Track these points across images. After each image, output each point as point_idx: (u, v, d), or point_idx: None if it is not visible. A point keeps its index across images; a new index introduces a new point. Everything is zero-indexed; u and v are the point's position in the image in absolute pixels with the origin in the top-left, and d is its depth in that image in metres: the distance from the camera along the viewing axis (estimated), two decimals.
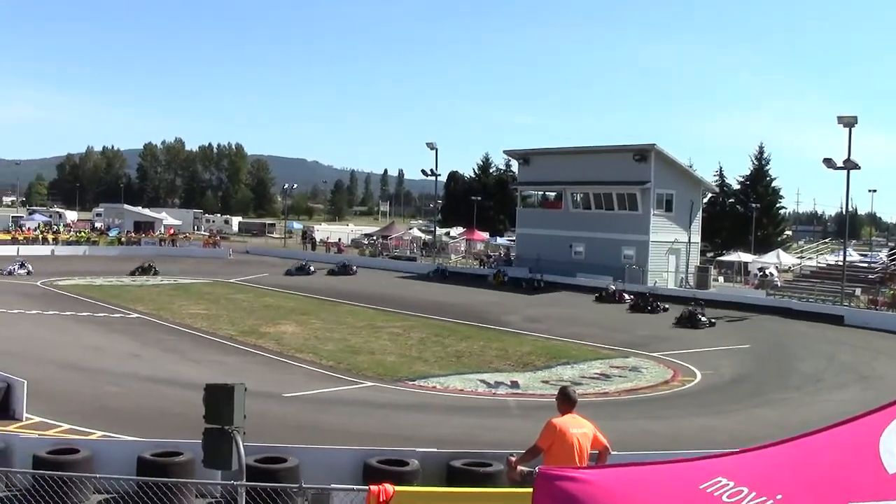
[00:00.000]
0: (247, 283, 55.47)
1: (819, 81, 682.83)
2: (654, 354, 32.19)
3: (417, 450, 14.16)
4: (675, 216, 59.93)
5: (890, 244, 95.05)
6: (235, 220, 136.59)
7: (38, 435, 16.48)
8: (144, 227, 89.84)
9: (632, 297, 48.69)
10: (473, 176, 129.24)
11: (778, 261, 69.46)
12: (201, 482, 12.65)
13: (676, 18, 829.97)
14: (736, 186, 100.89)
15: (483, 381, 26.59)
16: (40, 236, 76.82)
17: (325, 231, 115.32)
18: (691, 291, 51.74)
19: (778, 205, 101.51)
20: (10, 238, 73.92)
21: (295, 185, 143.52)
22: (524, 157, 69.07)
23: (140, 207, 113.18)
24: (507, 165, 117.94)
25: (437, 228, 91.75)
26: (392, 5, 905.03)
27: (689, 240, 60.53)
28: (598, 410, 18.64)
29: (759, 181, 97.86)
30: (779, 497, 4.13)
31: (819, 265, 59.61)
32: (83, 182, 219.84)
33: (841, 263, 52.90)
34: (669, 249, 59.43)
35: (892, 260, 54.54)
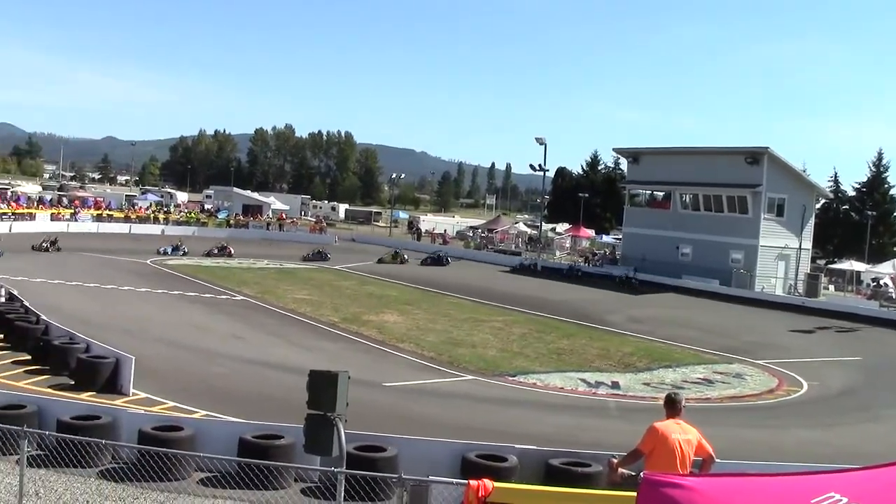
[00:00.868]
0: (351, 271, 55.94)
1: None
2: (759, 362, 31.63)
3: (516, 446, 14.12)
4: (787, 221, 58.64)
5: None
6: (342, 208, 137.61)
7: (144, 411, 16.85)
8: (252, 210, 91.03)
9: None
10: (581, 172, 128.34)
11: (893, 271, 67.44)
12: (301, 467, 12.79)
13: (800, 17, 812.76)
14: (851, 193, 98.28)
15: (583, 380, 26.46)
16: (152, 215, 78.40)
17: (430, 222, 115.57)
18: (800, 299, 50.72)
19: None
20: (123, 216, 75.56)
21: (402, 175, 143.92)
22: (634, 155, 68.36)
23: (249, 191, 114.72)
24: (616, 163, 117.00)
25: (543, 224, 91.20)
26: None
27: (800, 246, 59.18)
28: (698, 416, 18.35)
29: (876, 188, 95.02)
30: None
31: None
32: (194, 164, 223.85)
33: None
34: (779, 255, 58.23)
35: None
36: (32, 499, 11.31)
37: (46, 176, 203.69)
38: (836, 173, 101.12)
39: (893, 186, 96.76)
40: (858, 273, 68.72)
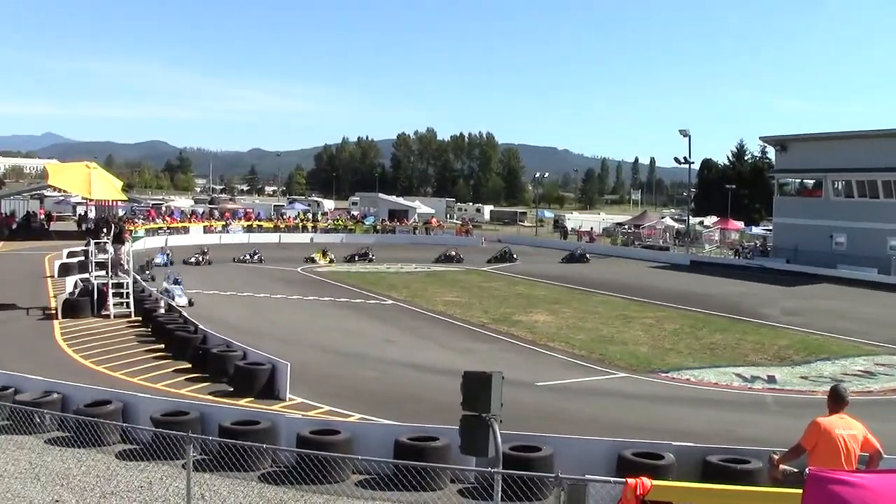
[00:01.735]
0: (499, 272, 56.04)
1: None
2: None
3: (672, 443, 13.95)
4: None
5: None
6: (487, 209, 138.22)
7: (301, 415, 17.17)
8: (398, 215, 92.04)
9: None
10: (727, 163, 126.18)
11: None
12: (458, 468, 12.87)
13: None
14: None
15: (738, 375, 25.90)
16: (300, 224, 79.93)
17: (576, 219, 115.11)
18: None
19: None
20: (272, 226, 77.27)
21: (546, 174, 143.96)
22: (781, 143, 66.80)
23: (394, 196, 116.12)
24: (763, 152, 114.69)
25: (691, 217, 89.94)
26: None
27: None
28: (860, 410, 17.81)
29: None
30: None
31: None
32: (339, 172, 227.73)
33: None
34: None
35: None
36: (199, 502, 11.66)
37: (197, 189, 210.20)
38: None
39: None
40: None
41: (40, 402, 16.28)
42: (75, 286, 32.93)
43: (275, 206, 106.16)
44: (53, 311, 30.87)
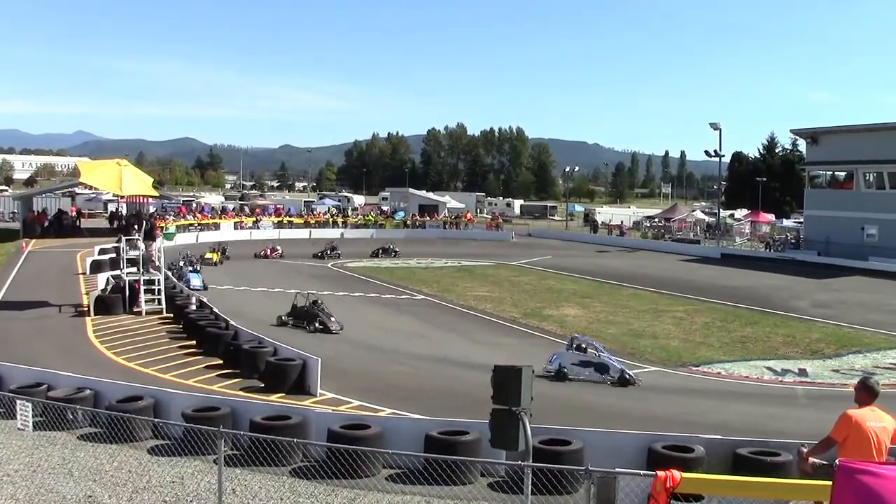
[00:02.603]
0: (529, 266, 56.00)
1: None
2: None
3: (702, 436, 13.91)
4: None
5: None
6: (517, 203, 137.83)
7: (332, 410, 17.24)
8: (429, 210, 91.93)
9: None
10: (758, 156, 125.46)
11: None
12: (488, 462, 12.87)
13: None
14: None
15: (769, 368, 25.83)
16: (330, 220, 79.96)
17: (606, 213, 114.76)
18: None
19: None
20: (302, 222, 77.36)
21: (576, 168, 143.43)
22: (812, 135, 66.22)
23: (424, 191, 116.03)
24: (794, 145, 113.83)
25: (721, 210, 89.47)
26: None
27: None
28: (892, 403, 17.67)
29: None
30: None
31: None
32: (369, 167, 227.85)
33: None
34: None
35: None
36: (230, 496, 11.72)
37: (228, 186, 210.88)
38: None
39: None
40: None
41: (73, 399, 16.42)
42: (107, 283, 33.15)
43: (305, 201, 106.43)
44: (85, 308, 31.11)
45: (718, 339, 30.63)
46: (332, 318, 30.02)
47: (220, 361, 23.22)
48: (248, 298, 37.07)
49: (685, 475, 7.08)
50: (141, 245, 31.89)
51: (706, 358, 27.27)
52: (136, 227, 33.86)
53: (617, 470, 8.42)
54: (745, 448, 13.32)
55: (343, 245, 62.00)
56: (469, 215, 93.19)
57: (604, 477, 7.99)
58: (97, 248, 44.28)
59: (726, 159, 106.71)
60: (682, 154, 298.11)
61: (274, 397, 19.34)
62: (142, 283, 31.14)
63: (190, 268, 34.32)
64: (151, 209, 60.13)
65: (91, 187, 56.27)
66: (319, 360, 20.84)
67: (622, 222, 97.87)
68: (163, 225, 54.43)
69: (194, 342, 25.56)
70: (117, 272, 33.23)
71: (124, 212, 65.93)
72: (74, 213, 72.02)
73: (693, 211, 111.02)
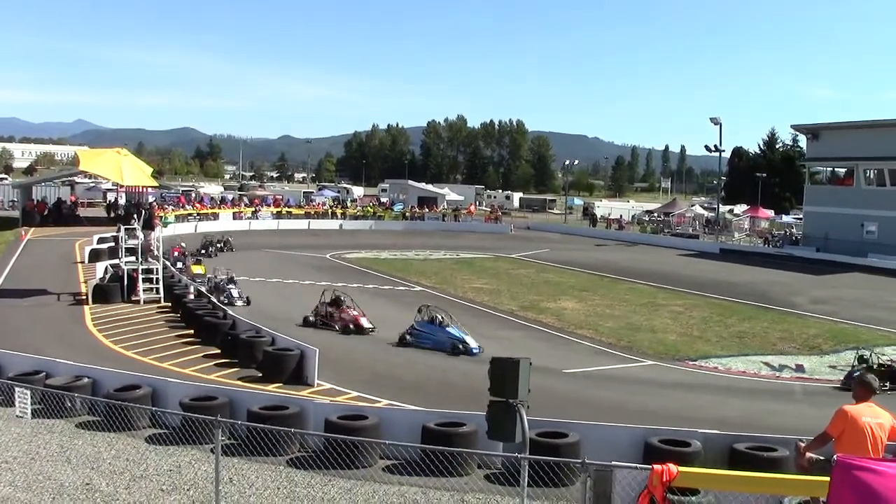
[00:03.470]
0: (528, 259, 55.99)
1: None
2: None
3: (699, 430, 13.94)
4: None
5: None
6: (516, 196, 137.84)
7: (329, 401, 17.26)
8: (428, 202, 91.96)
9: None
10: (758, 151, 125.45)
11: None
12: (485, 453, 12.89)
13: None
14: None
15: (766, 364, 25.86)
16: (329, 211, 79.95)
17: (605, 207, 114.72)
18: None
19: None
20: (302, 213, 77.33)
21: (576, 162, 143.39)
22: (813, 131, 66.23)
23: (423, 183, 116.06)
24: (795, 140, 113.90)
25: (720, 205, 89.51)
26: None
27: None
28: (888, 400, 17.71)
29: None
30: None
31: None
32: (369, 159, 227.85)
33: None
34: None
35: None
36: (227, 485, 11.73)
37: (227, 176, 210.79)
38: None
39: None
40: None
41: (71, 387, 16.44)
42: (105, 272, 33.20)
43: (304, 192, 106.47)
44: (84, 297, 31.18)
45: (716, 333, 30.66)
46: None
47: (218, 351, 23.26)
48: (245, 288, 36.95)
49: (682, 469, 7.09)
50: (139, 234, 31.89)
51: (703, 352, 27.32)
52: (135, 216, 33.84)
53: (613, 463, 8.42)
54: (741, 443, 13.36)
55: (341, 236, 62.02)
56: (472, 208, 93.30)
57: (600, 470, 8.01)
58: (96, 237, 44.31)
59: (726, 154, 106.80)
60: (682, 149, 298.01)
61: (271, 387, 19.37)
62: (140, 272, 31.17)
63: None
64: (150, 199, 60.11)
65: (92, 176, 56.26)
66: (317, 350, 20.87)
67: (621, 216, 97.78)
68: (161, 214, 54.42)
69: (192, 331, 25.63)
70: (116, 261, 33.26)
71: (122, 201, 65.94)
72: (73, 202, 71.98)
73: (692, 206, 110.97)
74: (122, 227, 32.92)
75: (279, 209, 76.91)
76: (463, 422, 14.05)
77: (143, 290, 31.04)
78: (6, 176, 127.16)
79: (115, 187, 60.92)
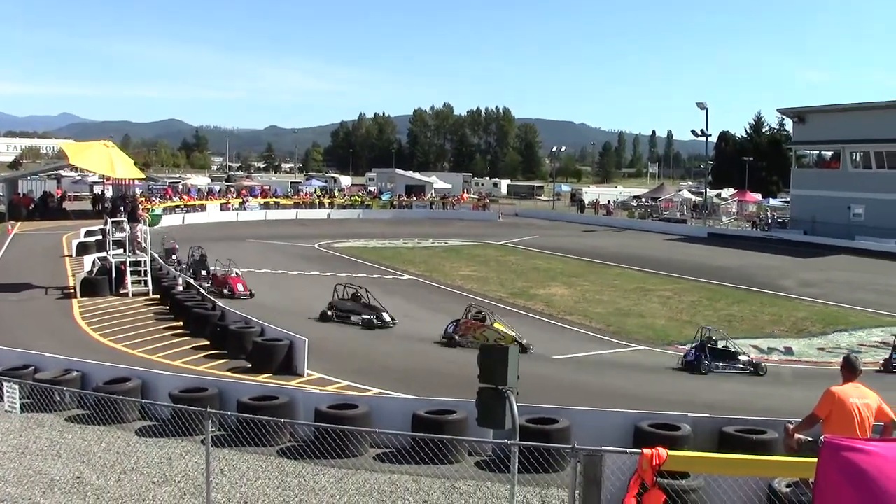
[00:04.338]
0: (516, 245, 56.02)
1: None
2: None
3: (689, 414, 13.98)
4: None
5: None
6: (504, 183, 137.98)
7: (319, 390, 17.25)
8: (416, 190, 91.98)
9: None
10: (745, 135, 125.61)
11: None
12: (475, 440, 12.90)
13: None
14: None
15: (755, 347, 25.91)
16: (317, 200, 79.86)
17: (593, 193, 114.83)
18: None
19: None
20: (290, 203, 77.26)
21: (563, 148, 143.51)
22: (799, 115, 66.41)
23: (411, 172, 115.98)
24: (781, 124, 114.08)
25: (708, 190, 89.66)
26: None
27: None
28: (877, 381, 17.78)
29: None
30: None
31: None
32: (356, 148, 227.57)
33: None
34: None
35: None
36: (218, 476, 11.73)
37: (214, 168, 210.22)
38: None
39: None
40: None
41: (60, 380, 16.40)
42: (93, 265, 33.12)
43: (292, 182, 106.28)
44: (72, 290, 31.08)
45: (705, 318, 30.67)
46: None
47: (208, 342, 23.21)
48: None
49: (671, 453, 7.12)
50: (126, 227, 31.80)
51: (693, 337, 27.35)
52: (121, 209, 33.72)
53: (603, 448, 8.43)
54: (731, 426, 13.39)
55: (330, 226, 61.98)
56: (465, 196, 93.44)
57: (590, 455, 8.02)
58: (83, 231, 44.24)
59: (713, 139, 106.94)
60: (669, 133, 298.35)
61: (261, 378, 19.36)
62: (128, 264, 31.09)
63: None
64: (137, 191, 59.95)
65: (77, 169, 56.08)
66: (307, 340, 20.85)
67: (609, 202, 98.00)
68: (148, 207, 54.26)
69: (181, 323, 25.58)
70: (103, 254, 33.17)
71: (109, 194, 65.73)
72: (59, 196, 71.76)
73: (680, 190, 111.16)
74: (109, 220, 32.80)
75: (267, 200, 76.79)
76: (453, 409, 14.06)
77: (132, 283, 30.96)
78: None
79: (101, 180, 60.61)
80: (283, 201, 77.83)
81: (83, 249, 39.31)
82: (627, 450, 8.72)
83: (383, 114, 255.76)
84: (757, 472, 8.63)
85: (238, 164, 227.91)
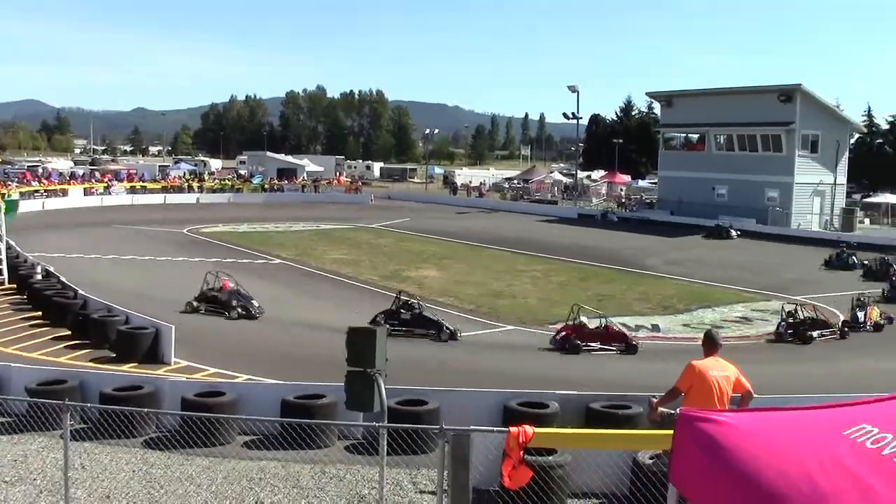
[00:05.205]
0: (388, 228, 55.98)
1: None
2: (797, 298, 30.99)
3: (557, 392, 14.11)
4: (821, 157, 58.85)
5: None
6: (377, 166, 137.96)
7: (186, 378, 16.93)
8: (287, 173, 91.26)
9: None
10: (615, 118, 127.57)
11: None
12: (344, 423, 12.84)
13: None
14: (885, 126, 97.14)
15: (623, 325, 26.29)
16: (186, 184, 78.49)
17: (466, 175, 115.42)
18: (836, 234, 50.40)
19: None
20: (158, 187, 75.77)
21: (436, 131, 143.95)
22: (667, 98, 68.10)
23: (283, 155, 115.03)
24: (650, 107, 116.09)
25: (579, 172, 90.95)
26: None
27: (835, 181, 59.14)
28: (739, 354, 18.25)
29: None
30: None
31: None
32: (227, 131, 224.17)
33: None
34: (814, 191, 58.38)
35: None
36: (78, 471, 11.39)
37: (77, 151, 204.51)
38: (869, 108, 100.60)
39: None
40: (894, 206, 68.29)
41: None
42: None
43: (160, 166, 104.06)
44: None
45: (575, 297, 30.92)
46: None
47: (69, 332, 22.48)
48: (99, 266, 35.93)
49: (538, 430, 7.10)
50: None
51: (563, 316, 27.57)
52: None
53: (471, 427, 8.42)
54: (597, 402, 13.58)
55: (199, 210, 61.02)
56: (341, 178, 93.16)
57: (457, 435, 7.99)
58: None
59: (584, 122, 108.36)
60: (542, 116, 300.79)
61: (126, 367, 18.90)
62: None
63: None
64: None
65: None
66: (173, 327, 20.43)
67: (482, 184, 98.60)
68: (3, 192, 52.43)
69: (40, 313, 24.68)
70: None
71: None
72: None
73: (551, 172, 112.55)
74: None
75: (133, 184, 75.16)
76: (322, 394, 13.94)
77: None
78: None
79: None
80: (150, 185, 76.17)
81: None
82: (494, 429, 8.76)
83: (255, 96, 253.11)
84: (620, 446, 8.78)
85: (103, 148, 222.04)
